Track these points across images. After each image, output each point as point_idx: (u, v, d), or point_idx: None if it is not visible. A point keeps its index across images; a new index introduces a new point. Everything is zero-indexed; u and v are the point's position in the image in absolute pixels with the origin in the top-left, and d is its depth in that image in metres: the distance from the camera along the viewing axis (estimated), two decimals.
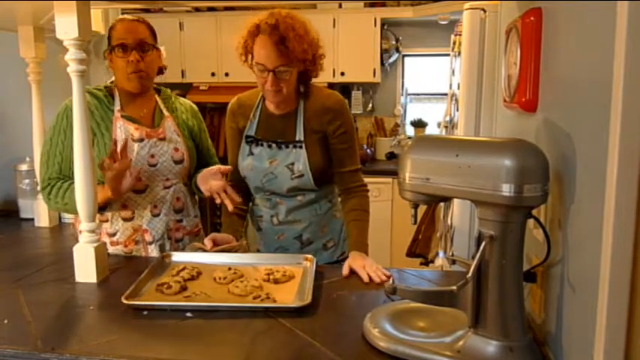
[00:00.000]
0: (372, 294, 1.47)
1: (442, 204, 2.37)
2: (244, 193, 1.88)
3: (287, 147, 1.77)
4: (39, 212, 2.23)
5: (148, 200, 1.79)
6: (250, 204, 1.93)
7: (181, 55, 4.47)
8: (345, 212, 1.82)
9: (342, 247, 1.89)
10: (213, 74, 4.51)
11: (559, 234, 1.04)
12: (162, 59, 1.85)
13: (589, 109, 0.89)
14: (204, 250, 1.69)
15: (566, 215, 1.00)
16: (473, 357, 1.06)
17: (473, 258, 1.06)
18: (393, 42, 4.53)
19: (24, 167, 2.37)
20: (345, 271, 1.59)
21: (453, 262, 1.91)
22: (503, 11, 1.74)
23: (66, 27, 1.44)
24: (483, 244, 1.04)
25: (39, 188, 1.80)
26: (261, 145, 1.79)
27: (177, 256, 1.68)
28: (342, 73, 4.37)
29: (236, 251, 1.73)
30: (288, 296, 1.41)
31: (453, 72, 2.42)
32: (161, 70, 1.87)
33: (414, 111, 4.85)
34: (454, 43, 2.37)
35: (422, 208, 2.58)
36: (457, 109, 2.12)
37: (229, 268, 1.56)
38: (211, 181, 1.74)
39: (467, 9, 1.90)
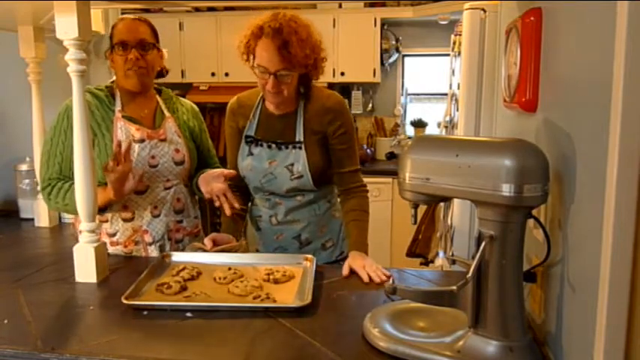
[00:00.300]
0: (372, 294, 1.47)
1: (442, 204, 2.37)
2: (244, 193, 1.88)
3: (286, 147, 1.76)
4: (39, 212, 2.23)
5: (149, 201, 1.79)
6: (249, 204, 1.93)
7: (181, 55, 4.47)
8: (344, 212, 1.82)
9: (341, 246, 1.89)
10: (213, 74, 4.51)
11: (559, 234, 1.04)
12: (164, 61, 1.85)
13: (589, 109, 0.89)
14: (204, 250, 1.69)
15: (566, 215, 1.00)
16: (473, 357, 1.06)
17: (473, 258, 1.06)
18: (393, 42, 4.53)
19: (24, 167, 2.37)
20: (345, 271, 1.59)
21: (453, 262, 1.91)
22: (503, 11, 1.74)
23: (66, 27, 1.44)
24: (483, 244, 1.04)
25: (39, 188, 1.79)
26: (261, 145, 1.79)
27: (177, 256, 1.68)
28: (342, 73, 4.37)
29: (236, 251, 1.73)
30: (288, 296, 1.41)
31: (453, 72, 2.42)
32: (162, 73, 1.87)
33: (414, 111, 4.85)
34: (454, 43, 2.37)
35: (422, 208, 2.58)
36: (457, 109, 2.12)
37: (229, 268, 1.56)
38: (213, 183, 1.75)
39: (467, 9, 1.90)
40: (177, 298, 1.40)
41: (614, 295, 0.77)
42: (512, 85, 1.31)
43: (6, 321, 1.29)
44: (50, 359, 1.14)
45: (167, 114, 1.85)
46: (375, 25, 4.30)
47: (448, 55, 2.56)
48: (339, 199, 1.88)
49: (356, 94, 4.67)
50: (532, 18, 1.18)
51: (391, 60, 4.63)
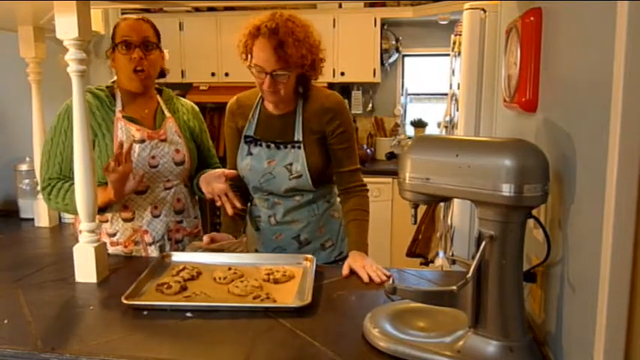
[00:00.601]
0: (372, 294, 1.47)
1: (442, 204, 2.37)
2: (244, 193, 1.88)
3: (285, 147, 1.77)
4: (39, 212, 2.23)
5: (149, 201, 1.79)
6: (249, 204, 1.93)
7: (181, 55, 4.47)
8: (344, 212, 1.82)
9: (340, 247, 1.89)
10: (213, 74, 4.51)
11: (559, 234, 1.04)
12: (165, 62, 1.85)
13: (589, 109, 0.89)
14: (204, 249, 1.69)
15: (566, 215, 1.00)
16: (473, 357, 1.06)
17: (473, 258, 1.06)
18: (393, 42, 4.53)
19: (24, 167, 2.37)
20: (345, 271, 1.59)
21: (453, 262, 1.91)
22: (503, 11, 1.75)
23: (66, 27, 1.44)
24: (483, 244, 1.04)
25: (39, 188, 1.80)
26: (260, 145, 1.79)
27: (177, 256, 1.68)
28: (342, 73, 4.37)
29: (236, 249, 1.73)
30: (288, 296, 1.41)
31: (453, 72, 2.42)
32: (163, 73, 1.87)
33: (414, 111, 4.85)
34: (454, 43, 2.37)
35: (422, 208, 2.58)
36: (457, 109, 2.12)
37: (229, 268, 1.56)
38: (214, 183, 1.75)
39: (467, 9, 1.90)
40: (177, 298, 1.40)
41: (614, 295, 0.77)
42: (512, 85, 1.31)
43: (6, 321, 1.29)
44: (50, 359, 1.14)
45: (167, 114, 1.85)
46: (375, 25, 4.30)
47: (448, 55, 2.56)
48: (338, 199, 1.88)
49: (356, 94, 4.67)
50: (532, 18, 1.18)
51: (391, 60, 4.63)
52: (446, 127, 2.45)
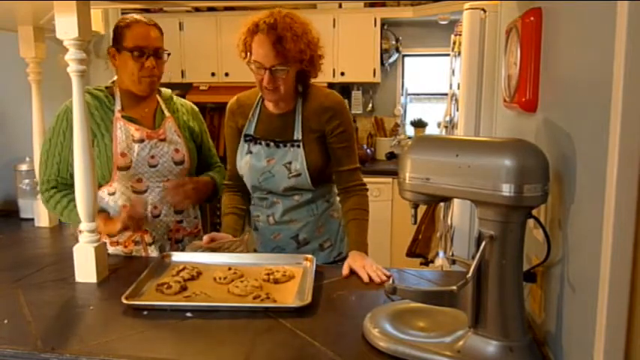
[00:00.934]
0: (372, 294, 1.47)
1: (442, 204, 2.37)
2: (245, 192, 1.88)
3: (284, 146, 1.77)
4: (39, 212, 2.23)
5: (149, 201, 1.79)
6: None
7: (181, 55, 4.47)
8: (344, 212, 1.82)
9: (339, 247, 1.89)
10: (213, 74, 4.50)
11: (559, 234, 1.04)
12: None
13: (589, 109, 0.89)
14: (205, 248, 1.69)
15: (566, 215, 1.00)
16: (473, 357, 1.06)
17: (473, 258, 1.06)
18: (393, 42, 4.53)
19: (24, 167, 2.37)
20: (345, 271, 1.59)
21: (453, 262, 1.91)
22: (503, 11, 1.74)
23: (66, 27, 1.44)
24: (483, 244, 1.04)
25: (38, 188, 1.80)
26: (260, 143, 1.79)
27: (177, 256, 1.68)
28: (342, 73, 4.37)
29: (236, 248, 1.72)
30: (288, 296, 1.41)
31: (453, 72, 2.42)
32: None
33: (414, 111, 4.84)
34: (454, 43, 2.37)
35: (422, 208, 2.58)
36: (457, 109, 2.12)
37: (229, 268, 1.56)
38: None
39: (467, 9, 1.90)
40: (177, 298, 1.40)
41: (614, 295, 0.77)
42: (512, 85, 1.31)
43: (6, 321, 1.29)
44: (50, 359, 1.14)
45: (167, 114, 1.85)
46: (375, 25, 4.30)
47: (448, 55, 2.56)
48: (338, 199, 1.88)
49: (356, 94, 4.67)
50: (532, 18, 1.18)
51: (391, 60, 4.63)
52: (446, 127, 2.45)
